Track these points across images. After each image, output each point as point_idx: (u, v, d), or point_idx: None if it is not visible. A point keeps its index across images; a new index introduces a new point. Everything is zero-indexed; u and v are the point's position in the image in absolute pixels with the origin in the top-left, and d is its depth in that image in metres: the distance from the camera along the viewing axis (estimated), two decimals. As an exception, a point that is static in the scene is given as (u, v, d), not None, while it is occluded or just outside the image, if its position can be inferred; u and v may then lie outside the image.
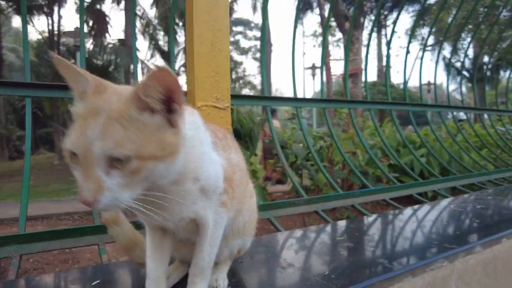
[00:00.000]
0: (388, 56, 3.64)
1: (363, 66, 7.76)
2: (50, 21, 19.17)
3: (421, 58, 3.85)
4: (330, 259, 1.46)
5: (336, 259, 1.44)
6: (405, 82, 3.69)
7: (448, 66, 4.77)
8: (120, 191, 0.70)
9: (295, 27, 2.71)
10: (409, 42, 4.00)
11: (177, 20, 16.21)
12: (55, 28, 19.41)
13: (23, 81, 1.66)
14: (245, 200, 1.12)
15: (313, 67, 17.04)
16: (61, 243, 1.58)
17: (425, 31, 19.88)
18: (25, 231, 1.59)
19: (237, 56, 38.04)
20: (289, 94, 2.91)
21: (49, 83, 1.72)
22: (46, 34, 20.41)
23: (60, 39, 19.86)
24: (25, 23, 1.70)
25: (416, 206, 2.41)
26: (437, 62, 4.19)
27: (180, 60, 21.40)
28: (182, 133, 0.78)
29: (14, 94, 1.73)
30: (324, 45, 2.94)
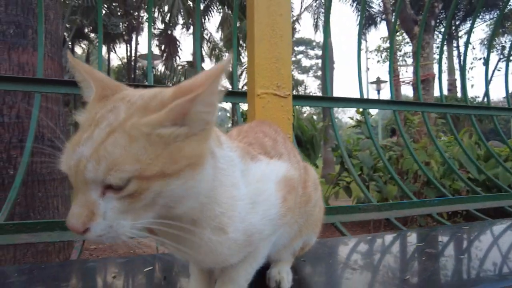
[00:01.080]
0: (464, 56, 3.27)
1: (434, 72, 7.21)
2: (128, 48, 21.11)
3: (506, 68, 3.42)
4: (409, 265, 1.25)
5: (417, 266, 1.23)
6: (487, 81, 3.28)
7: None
8: (118, 219, 0.56)
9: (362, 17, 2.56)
10: (489, 50, 3.60)
11: (240, 42, 16.79)
12: (133, 54, 21.29)
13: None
14: (300, 211, 0.93)
15: (378, 81, 16.31)
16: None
17: (504, 39, 18.12)
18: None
19: (298, 75, 38.22)
20: (352, 112, 2.73)
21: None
22: (125, 60, 22.48)
23: (136, 63, 21.70)
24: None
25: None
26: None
27: (244, 79, 22.05)
28: (210, 145, 0.64)
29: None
30: (393, 41, 2.73)
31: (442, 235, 1.64)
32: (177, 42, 21.85)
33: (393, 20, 2.87)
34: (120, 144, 0.54)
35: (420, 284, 1.00)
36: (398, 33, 16.00)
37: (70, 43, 16.45)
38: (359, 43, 2.48)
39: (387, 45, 21.44)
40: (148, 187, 0.55)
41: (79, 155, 0.55)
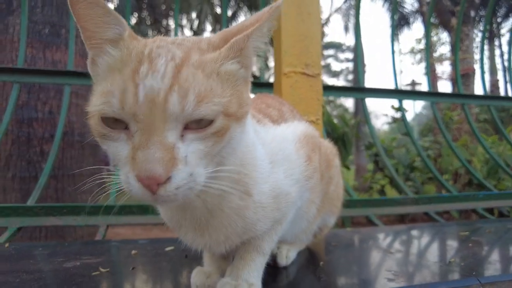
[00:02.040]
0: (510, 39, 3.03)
1: (475, 67, 6.81)
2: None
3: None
4: (454, 250, 1.13)
5: (463, 251, 1.10)
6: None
7: None
8: (198, 165, 0.50)
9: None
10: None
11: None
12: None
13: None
14: (317, 190, 0.86)
15: (413, 83, 15.70)
16: (146, 219, 1.54)
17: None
18: (115, 203, 1.60)
19: (328, 80, 37.72)
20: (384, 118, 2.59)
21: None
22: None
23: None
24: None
25: None
26: None
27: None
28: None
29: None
30: (429, 28, 2.58)
31: (490, 227, 1.48)
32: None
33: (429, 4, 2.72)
34: (199, 77, 0.50)
35: (467, 267, 0.88)
36: (433, 34, 15.44)
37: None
38: (393, 24, 2.36)
39: (422, 46, 20.74)
40: (230, 125, 0.52)
41: (150, 88, 0.47)
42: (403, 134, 4.25)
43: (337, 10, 20.01)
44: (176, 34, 2.29)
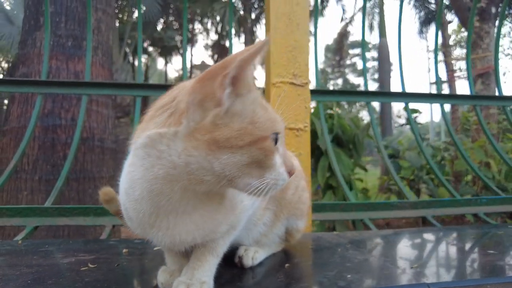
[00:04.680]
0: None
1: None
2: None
3: None
4: (421, 256, 1.17)
5: (428, 256, 1.14)
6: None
7: None
8: None
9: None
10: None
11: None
12: (188, 65, 22.33)
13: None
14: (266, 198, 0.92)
15: (439, 82, 15.24)
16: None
17: None
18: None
19: (354, 79, 37.19)
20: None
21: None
22: (181, 72, 23.68)
23: (191, 74, 22.73)
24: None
25: None
26: None
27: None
28: None
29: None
30: (439, 19, 2.57)
31: (479, 233, 1.50)
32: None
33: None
34: None
35: (423, 272, 0.93)
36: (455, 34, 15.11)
37: (131, 57, 17.70)
38: (400, 29, 2.37)
39: (450, 43, 20.00)
40: None
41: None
42: (414, 133, 4.21)
43: (361, 9, 19.69)
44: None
